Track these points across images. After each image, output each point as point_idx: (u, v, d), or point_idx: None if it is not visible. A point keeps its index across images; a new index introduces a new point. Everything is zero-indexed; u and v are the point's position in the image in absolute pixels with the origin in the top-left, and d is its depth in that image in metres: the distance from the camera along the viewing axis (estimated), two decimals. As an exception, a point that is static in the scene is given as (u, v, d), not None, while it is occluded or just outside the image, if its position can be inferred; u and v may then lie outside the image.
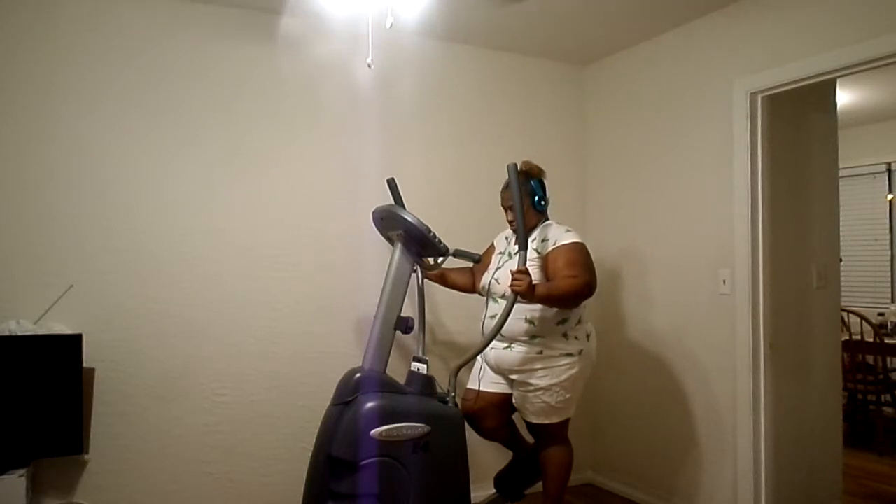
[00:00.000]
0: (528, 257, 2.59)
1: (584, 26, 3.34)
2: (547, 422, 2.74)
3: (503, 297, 2.70)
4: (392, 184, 2.97)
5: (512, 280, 2.48)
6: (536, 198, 2.77)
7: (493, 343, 2.69)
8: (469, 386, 2.87)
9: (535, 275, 2.63)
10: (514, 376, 2.74)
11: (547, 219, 2.83)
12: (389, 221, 2.71)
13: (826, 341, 3.31)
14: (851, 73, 2.68)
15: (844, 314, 4.37)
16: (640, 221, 3.55)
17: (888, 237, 5.59)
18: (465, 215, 3.51)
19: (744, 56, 2.98)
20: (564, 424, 2.80)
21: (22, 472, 2.44)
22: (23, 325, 2.57)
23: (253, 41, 3.09)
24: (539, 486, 2.89)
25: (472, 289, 3.02)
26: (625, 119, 3.66)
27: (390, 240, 2.83)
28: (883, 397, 4.64)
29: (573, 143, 3.90)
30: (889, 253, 5.58)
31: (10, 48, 2.69)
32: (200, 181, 2.99)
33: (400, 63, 3.40)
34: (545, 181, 2.83)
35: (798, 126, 3.23)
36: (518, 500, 3.06)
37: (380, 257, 3.11)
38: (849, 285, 5.32)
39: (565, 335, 2.69)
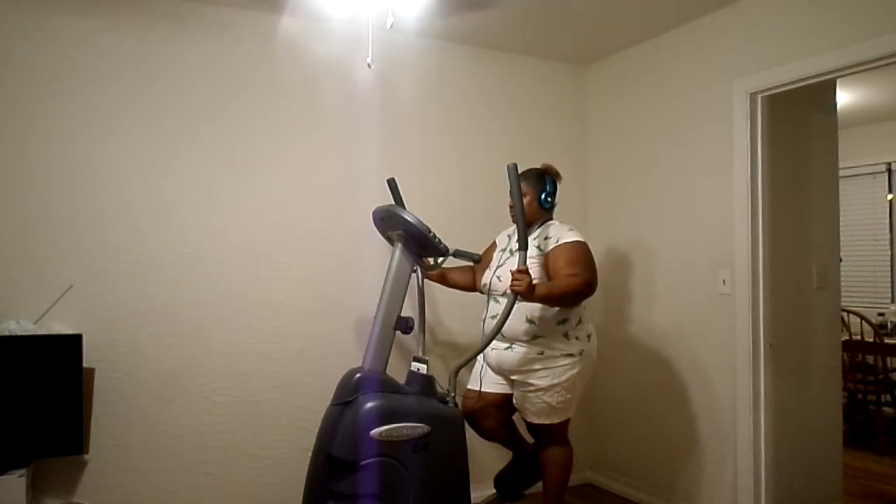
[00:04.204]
0: (529, 255, 2.59)
1: (584, 26, 3.34)
2: (547, 422, 2.74)
3: (504, 295, 2.70)
4: (392, 184, 2.97)
5: (512, 280, 2.47)
6: (544, 194, 2.78)
7: (494, 343, 2.69)
8: (470, 386, 2.87)
9: (536, 272, 2.63)
10: (514, 377, 2.74)
11: (550, 218, 2.84)
12: (389, 221, 2.71)
13: (826, 341, 3.31)
14: (851, 73, 2.68)
15: (844, 314, 4.37)
16: (641, 221, 3.56)
17: (888, 237, 5.60)
18: (465, 215, 3.52)
19: (744, 56, 2.98)
20: (564, 425, 2.80)
21: (22, 472, 2.44)
22: (23, 325, 2.57)
23: (253, 41, 3.09)
24: (539, 486, 2.89)
25: (472, 287, 3.02)
26: (625, 119, 3.66)
27: (390, 240, 2.83)
28: (883, 397, 4.64)
29: (573, 143, 3.90)
30: (889, 253, 5.58)
31: (11, 48, 2.69)
32: (200, 181, 2.99)
33: (400, 63, 3.40)
34: (559, 185, 2.85)
35: (798, 126, 3.23)
36: (518, 500, 3.06)
37: (380, 257, 3.12)
38: (849, 285, 5.33)
39: (566, 335, 2.69)
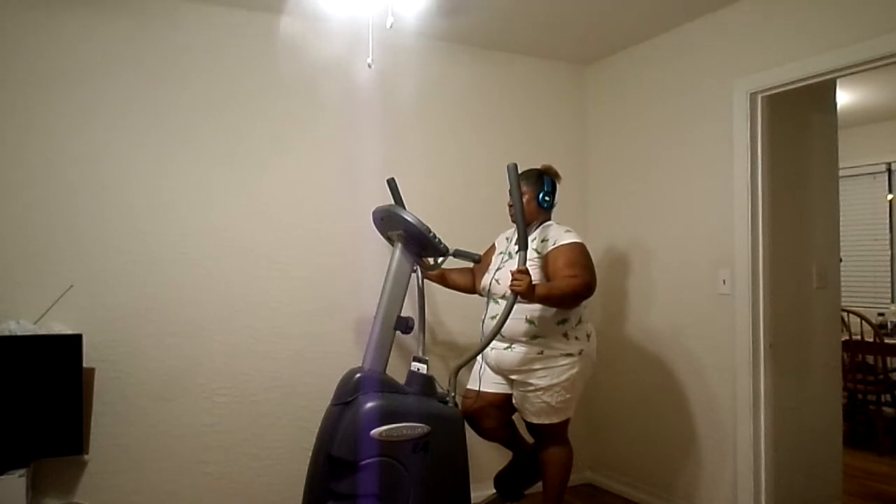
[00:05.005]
0: (528, 257, 2.59)
1: (584, 26, 3.34)
2: (547, 422, 2.74)
3: (503, 297, 2.70)
4: (392, 184, 2.97)
5: (512, 280, 2.48)
6: (542, 194, 2.78)
7: (494, 343, 2.69)
8: (469, 386, 2.87)
9: (535, 275, 2.63)
10: (514, 376, 2.74)
11: (548, 219, 2.84)
12: (389, 221, 2.71)
13: (826, 341, 3.31)
14: (851, 73, 2.68)
15: (844, 314, 4.37)
16: (641, 221, 3.56)
17: (888, 237, 5.60)
18: (465, 215, 3.52)
19: (744, 56, 2.98)
20: (564, 424, 2.80)
21: (22, 472, 2.44)
22: (23, 325, 2.57)
23: (253, 41, 3.09)
24: (539, 486, 2.89)
25: (472, 289, 3.02)
26: (625, 119, 3.66)
27: (390, 240, 2.83)
28: (883, 397, 4.64)
29: (573, 143, 3.90)
30: (889, 253, 5.58)
31: (12, 48, 2.69)
32: (200, 181, 2.99)
33: (400, 63, 3.40)
34: (558, 185, 2.85)
35: (798, 126, 3.23)
36: (518, 500, 3.06)
37: (380, 257, 3.12)
38: (849, 285, 5.33)
39: (566, 335, 2.69)
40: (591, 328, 2.82)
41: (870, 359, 4.61)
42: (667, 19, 3.24)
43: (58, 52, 2.76)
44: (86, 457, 2.75)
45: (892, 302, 5.47)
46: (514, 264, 2.64)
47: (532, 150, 3.67)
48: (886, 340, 4.61)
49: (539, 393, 2.68)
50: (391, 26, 2.44)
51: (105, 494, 2.79)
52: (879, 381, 4.58)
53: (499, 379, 2.82)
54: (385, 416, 2.42)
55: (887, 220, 5.60)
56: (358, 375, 2.52)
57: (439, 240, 2.65)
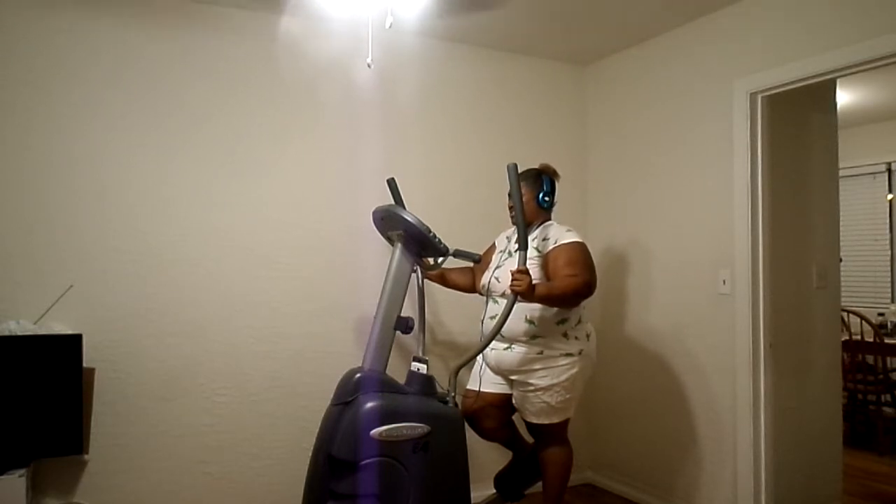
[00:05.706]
0: (528, 256, 2.59)
1: (584, 26, 3.34)
2: (547, 422, 2.74)
3: (503, 296, 2.70)
4: (392, 184, 2.97)
5: (512, 280, 2.48)
6: (541, 194, 2.78)
7: (493, 344, 2.69)
8: (469, 386, 2.87)
9: (536, 273, 2.63)
10: (514, 377, 2.74)
11: (549, 219, 2.84)
12: (389, 221, 2.71)
13: (826, 341, 3.31)
14: (851, 73, 2.68)
15: (844, 314, 4.37)
16: (640, 221, 3.56)
17: (888, 237, 5.60)
18: (465, 215, 3.52)
19: (744, 56, 2.98)
20: (564, 424, 2.80)
21: (22, 472, 2.44)
22: (23, 325, 2.57)
23: (253, 41, 3.09)
24: (539, 486, 2.89)
25: (472, 288, 3.02)
26: (625, 119, 3.66)
27: (390, 240, 2.83)
28: (883, 397, 4.64)
29: (573, 143, 3.90)
30: (889, 253, 5.58)
31: (11, 48, 2.69)
32: (200, 181, 2.99)
33: (400, 63, 3.40)
34: (556, 184, 2.85)
35: (798, 126, 3.23)
36: (518, 500, 3.06)
37: (380, 257, 3.11)
38: (849, 285, 5.32)
39: (565, 335, 2.69)
40: (591, 328, 2.82)
41: (870, 359, 4.61)
42: (667, 20, 3.24)
43: (58, 52, 2.76)
44: (86, 457, 2.75)
45: (892, 302, 5.47)
46: (514, 262, 2.63)
47: (532, 150, 3.67)
48: (886, 340, 4.61)
49: (539, 393, 2.68)
50: (390, 26, 2.44)
51: (105, 494, 2.79)
52: (879, 381, 4.58)
53: (499, 379, 2.82)
54: (385, 416, 2.42)
55: (887, 220, 5.60)
56: (358, 375, 2.52)
57: (439, 240, 2.65)
